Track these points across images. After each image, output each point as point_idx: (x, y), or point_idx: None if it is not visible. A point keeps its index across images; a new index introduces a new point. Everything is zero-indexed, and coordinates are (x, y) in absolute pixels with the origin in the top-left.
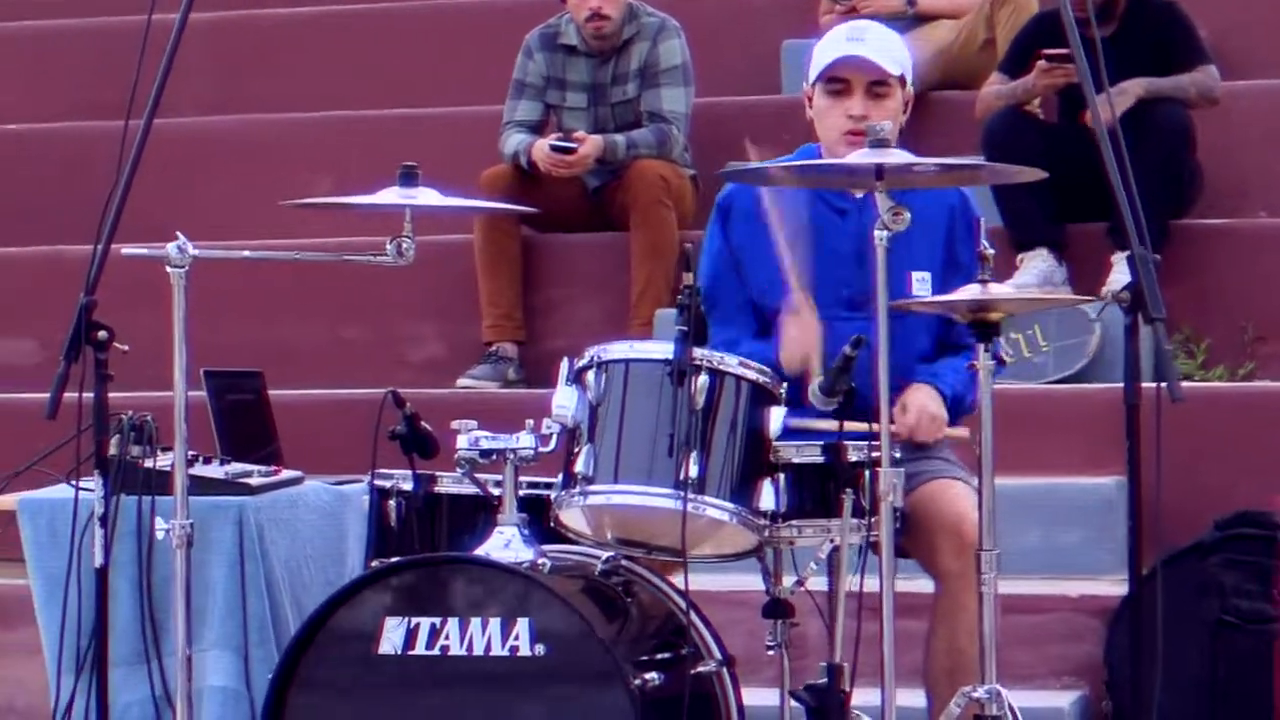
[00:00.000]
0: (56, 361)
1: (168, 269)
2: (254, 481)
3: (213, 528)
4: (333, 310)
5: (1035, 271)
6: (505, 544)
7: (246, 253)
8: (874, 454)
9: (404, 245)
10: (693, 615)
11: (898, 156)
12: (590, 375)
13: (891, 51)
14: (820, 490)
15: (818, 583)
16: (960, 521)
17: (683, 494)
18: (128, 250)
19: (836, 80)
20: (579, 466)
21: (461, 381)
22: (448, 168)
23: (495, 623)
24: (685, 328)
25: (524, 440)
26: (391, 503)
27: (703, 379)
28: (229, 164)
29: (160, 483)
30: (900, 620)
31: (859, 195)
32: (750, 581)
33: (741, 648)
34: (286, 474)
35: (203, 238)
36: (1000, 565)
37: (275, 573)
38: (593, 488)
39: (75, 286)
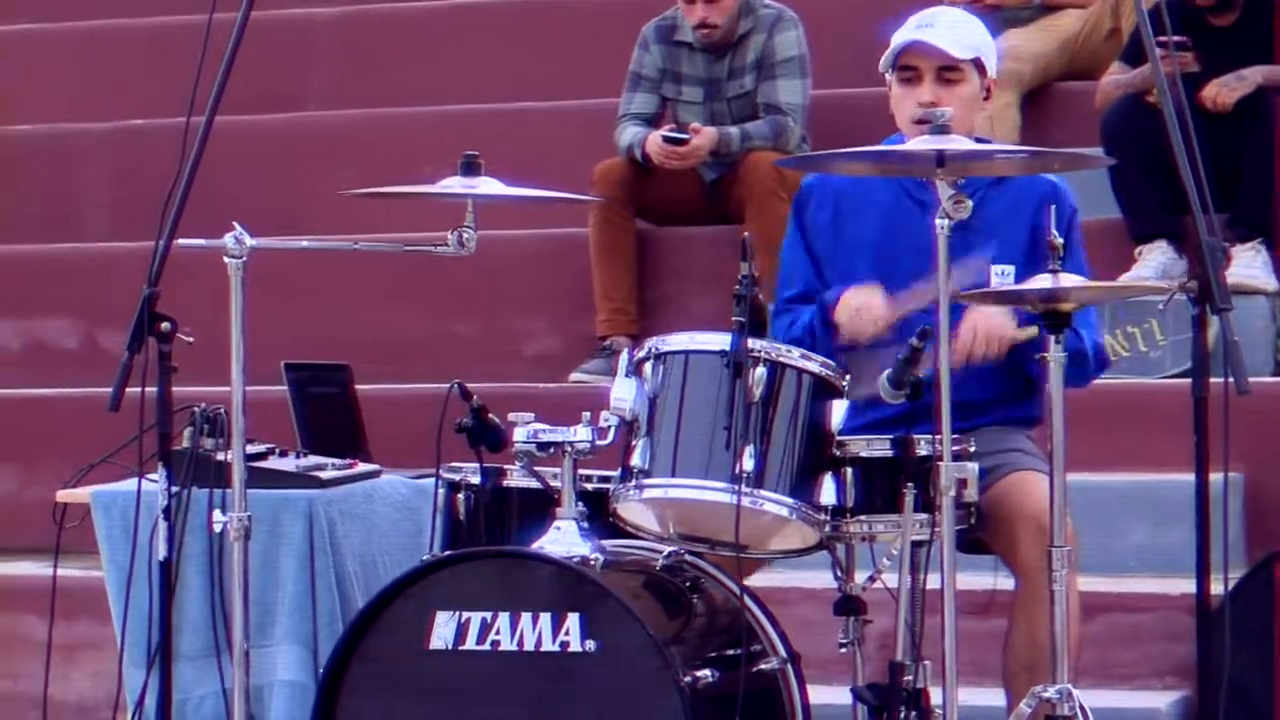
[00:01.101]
0: (200, 354)
1: (225, 260)
2: (326, 475)
3: (283, 521)
4: (447, 304)
5: (1154, 264)
6: (561, 538)
7: (304, 243)
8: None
9: (465, 236)
10: (757, 612)
11: (959, 143)
12: (648, 367)
13: (962, 36)
14: (890, 485)
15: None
16: (1041, 514)
17: (737, 488)
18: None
19: (906, 68)
20: (635, 459)
21: (574, 376)
22: (565, 160)
23: (546, 618)
24: (742, 319)
25: (580, 433)
26: (460, 496)
27: (760, 371)
28: (353, 157)
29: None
30: (995, 619)
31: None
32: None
33: (835, 646)
34: (362, 467)
35: (324, 231)
36: (1073, 562)
37: (347, 567)
38: (648, 481)
39: (190, 281)
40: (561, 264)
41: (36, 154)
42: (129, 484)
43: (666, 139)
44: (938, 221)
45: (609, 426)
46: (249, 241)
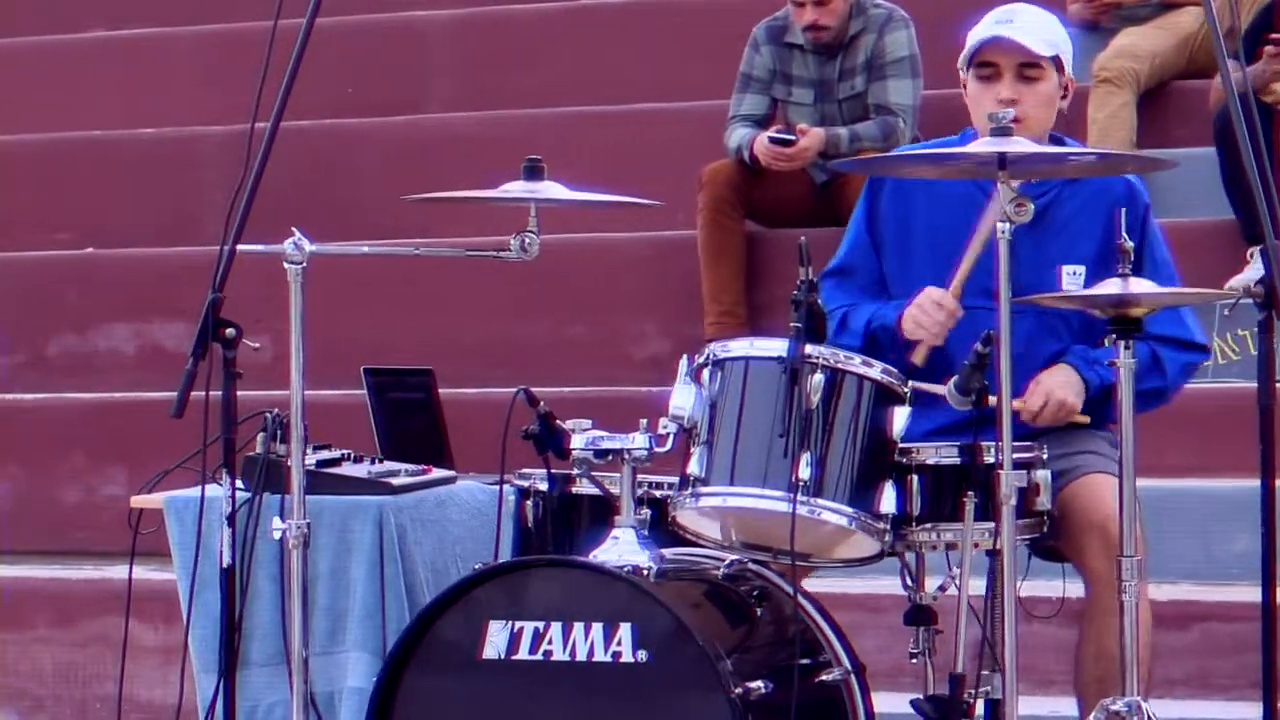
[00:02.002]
0: (286, 358)
1: (285, 265)
2: (397, 481)
3: (353, 528)
4: (558, 308)
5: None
6: (618, 547)
7: (365, 248)
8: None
9: (528, 241)
10: (821, 622)
11: (1021, 145)
12: (706, 373)
13: (1043, 33)
14: (959, 493)
15: (975, 586)
16: (1108, 521)
17: (792, 496)
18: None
19: (985, 64)
20: (691, 467)
21: None
22: (679, 162)
23: (598, 628)
24: (800, 324)
25: (638, 441)
26: (529, 503)
27: (818, 377)
28: (470, 160)
29: (312, 481)
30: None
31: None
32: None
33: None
34: (437, 473)
35: (445, 234)
36: (1143, 571)
37: (417, 574)
38: (705, 489)
39: (273, 284)
40: (672, 266)
41: (158, 157)
42: (196, 492)
43: (773, 140)
44: (998, 225)
45: (668, 434)
46: (308, 247)
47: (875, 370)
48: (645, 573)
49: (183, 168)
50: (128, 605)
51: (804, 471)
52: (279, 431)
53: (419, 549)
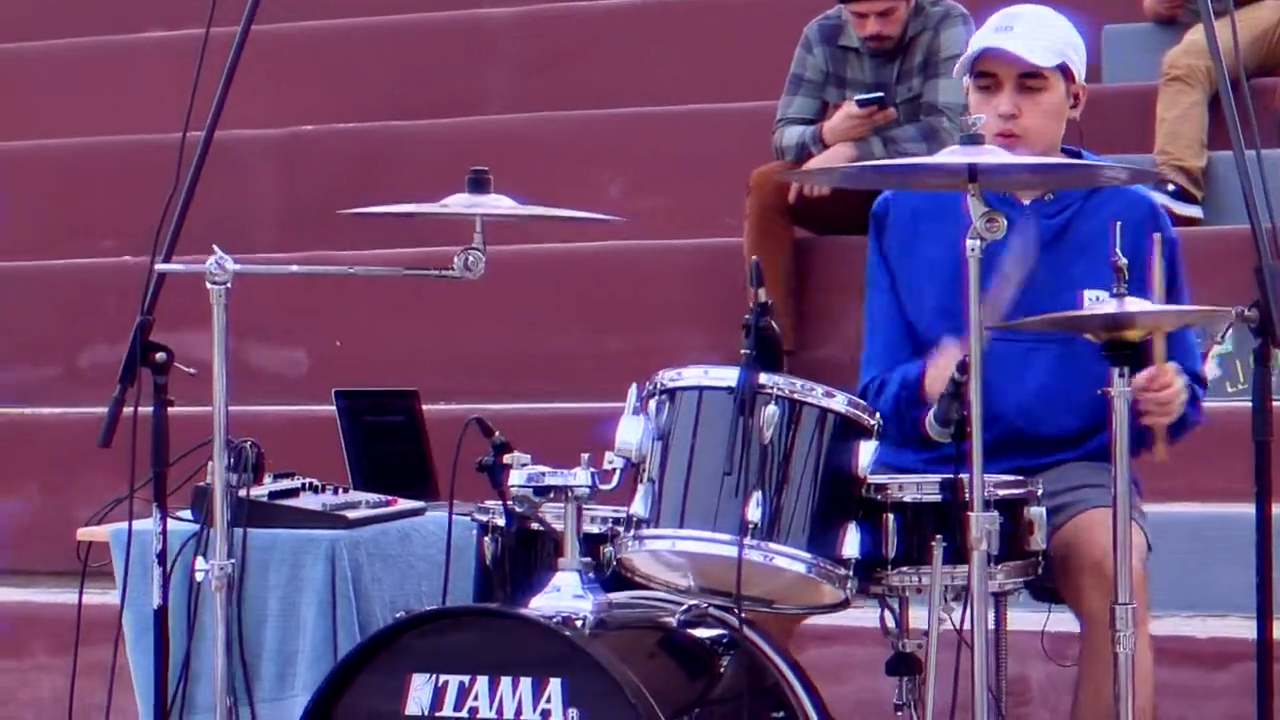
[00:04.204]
0: (321, 373)
1: (208, 285)
2: (353, 514)
3: (305, 564)
4: (595, 319)
5: None
6: (554, 593)
7: (294, 268)
8: (1000, 491)
9: (471, 259)
10: (789, 674)
11: (993, 155)
12: (653, 404)
13: (1047, 40)
14: (937, 532)
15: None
16: (1104, 559)
17: (740, 539)
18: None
19: (985, 75)
20: (635, 507)
21: None
22: (732, 164)
23: (526, 683)
24: (751, 350)
25: (580, 478)
26: (488, 539)
27: (771, 409)
28: (521, 163)
29: (259, 513)
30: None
31: (1026, 202)
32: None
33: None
34: (402, 505)
35: (502, 242)
36: (1142, 619)
37: (374, 614)
38: (648, 531)
39: (348, 293)
40: (718, 273)
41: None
42: (148, 523)
43: (861, 103)
44: (969, 243)
45: (613, 469)
46: (231, 266)
47: (838, 401)
48: (579, 622)
49: (229, 171)
50: (76, 635)
51: (754, 513)
52: (230, 459)
53: (377, 586)
